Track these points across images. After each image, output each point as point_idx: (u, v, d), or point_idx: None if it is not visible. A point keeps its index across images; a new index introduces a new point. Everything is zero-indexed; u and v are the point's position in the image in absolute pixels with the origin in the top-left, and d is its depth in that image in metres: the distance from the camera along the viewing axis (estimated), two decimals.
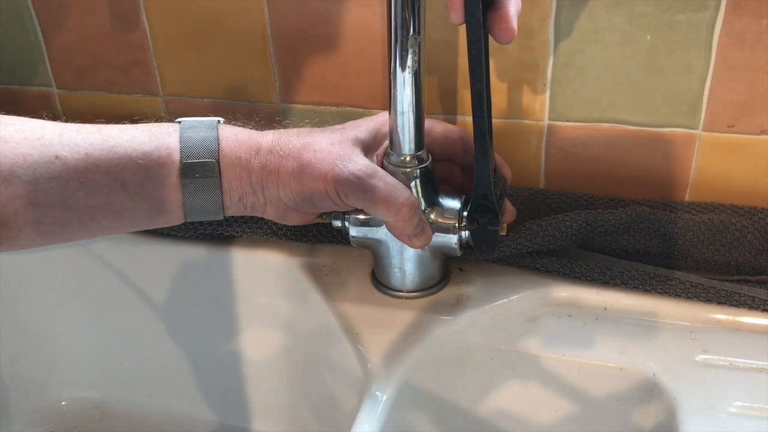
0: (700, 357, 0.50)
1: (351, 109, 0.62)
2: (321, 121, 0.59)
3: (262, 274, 0.61)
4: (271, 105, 0.64)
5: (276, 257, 0.60)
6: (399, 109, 0.48)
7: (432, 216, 0.51)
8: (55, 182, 0.45)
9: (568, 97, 0.57)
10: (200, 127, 0.48)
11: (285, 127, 0.53)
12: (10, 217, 0.44)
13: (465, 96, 0.59)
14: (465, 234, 0.51)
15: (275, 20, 0.60)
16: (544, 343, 0.54)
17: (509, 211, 0.53)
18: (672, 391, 0.48)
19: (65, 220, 0.46)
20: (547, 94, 0.57)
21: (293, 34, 0.61)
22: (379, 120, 0.52)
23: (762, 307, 0.51)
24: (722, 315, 0.51)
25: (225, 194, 0.48)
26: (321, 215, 0.53)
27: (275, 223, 0.60)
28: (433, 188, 0.51)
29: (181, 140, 0.47)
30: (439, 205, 0.51)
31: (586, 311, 0.53)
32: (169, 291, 0.64)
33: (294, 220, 0.52)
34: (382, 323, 0.53)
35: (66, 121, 0.48)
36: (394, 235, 0.50)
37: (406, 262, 0.54)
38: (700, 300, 0.52)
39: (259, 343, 0.64)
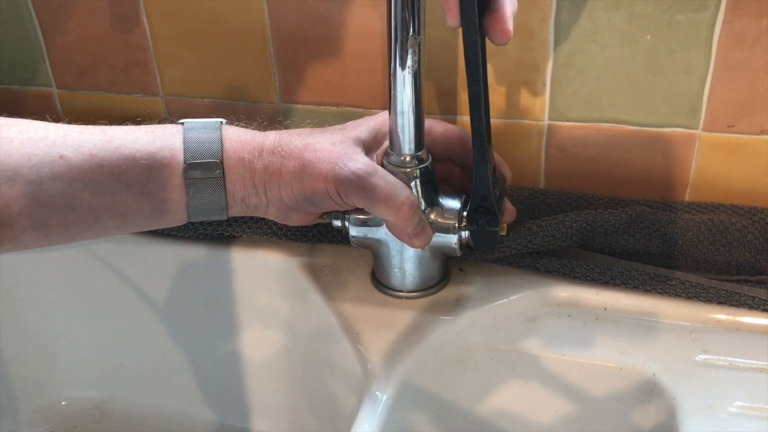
0: (700, 357, 0.50)
1: (351, 109, 0.62)
2: (321, 121, 0.59)
3: (262, 274, 0.61)
4: (271, 105, 0.64)
5: (276, 257, 0.60)
6: (399, 109, 0.48)
7: (432, 216, 0.51)
8: (60, 182, 0.45)
9: (568, 97, 0.57)
10: (204, 128, 0.48)
11: (286, 127, 0.53)
12: (14, 217, 0.44)
13: (464, 96, 0.59)
14: (465, 234, 0.51)
15: (275, 20, 0.60)
16: (544, 343, 0.54)
17: (509, 211, 0.53)
18: (672, 391, 0.48)
19: (69, 220, 0.46)
20: (547, 94, 0.57)
21: (293, 34, 0.61)
22: (379, 120, 0.52)
23: (762, 307, 0.51)
24: (722, 315, 0.51)
25: (228, 195, 0.48)
26: (322, 215, 0.53)
27: (275, 223, 0.60)
28: (433, 188, 0.51)
29: (185, 141, 0.47)
30: (439, 205, 0.51)
31: (586, 311, 0.53)
32: (169, 291, 0.64)
33: (295, 220, 0.52)
34: (382, 323, 0.53)
35: (67, 121, 0.48)
36: (394, 235, 0.50)
37: (406, 262, 0.54)
38: (700, 300, 0.52)
39: (259, 343, 0.64)
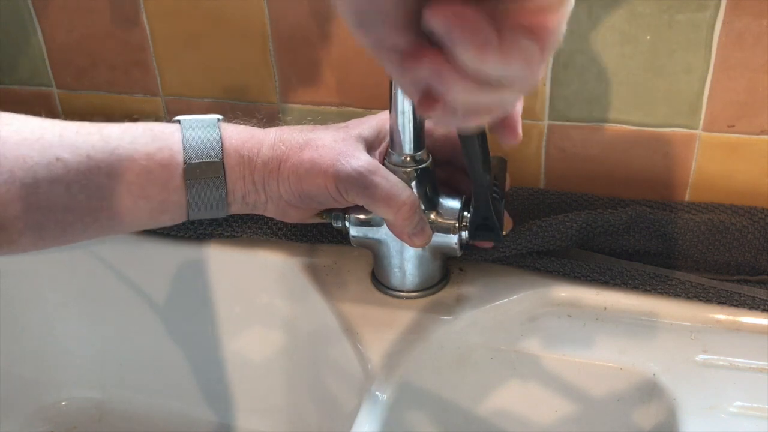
0: (700, 357, 0.50)
1: (351, 109, 0.62)
2: (321, 121, 0.59)
3: (262, 274, 0.61)
4: (271, 105, 0.64)
5: (276, 257, 0.60)
6: (399, 108, 0.48)
7: (432, 216, 0.51)
8: (57, 185, 0.44)
9: (568, 97, 0.57)
10: (201, 126, 0.48)
11: (286, 124, 0.53)
12: (10, 221, 0.44)
13: None
14: (465, 234, 0.51)
15: (275, 20, 0.60)
16: (544, 343, 0.54)
17: (506, 221, 0.53)
18: (672, 391, 0.48)
19: (67, 222, 0.45)
20: (547, 94, 0.57)
21: (293, 34, 0.61)
22: (382, 118, 0.52)
23: (762, 307, 0.51)
24: (722, 315, 0.51)
25: (229, 193, 0.48)
26: (321, 214, 0.53)
27: (275, 223, 0.60)
28: (433, 188, 0.51)
29: (184, 141, 0.47)
30: (439, 205, 0.51)
31: (586, 311, 0.53)
32: (169, 291, 0.64)
33: (293, 217, 0.52)
34: (382, 323, 0.53)
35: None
36: (394, 234, 0.50)
37: (406, 262, 0.54)
38: (700, 300, 0.52)
39: (259, 343, 0.64)
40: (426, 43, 0.27)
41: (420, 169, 0.50)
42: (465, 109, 0.30)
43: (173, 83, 0.66)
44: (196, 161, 0.47)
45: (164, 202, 0.47)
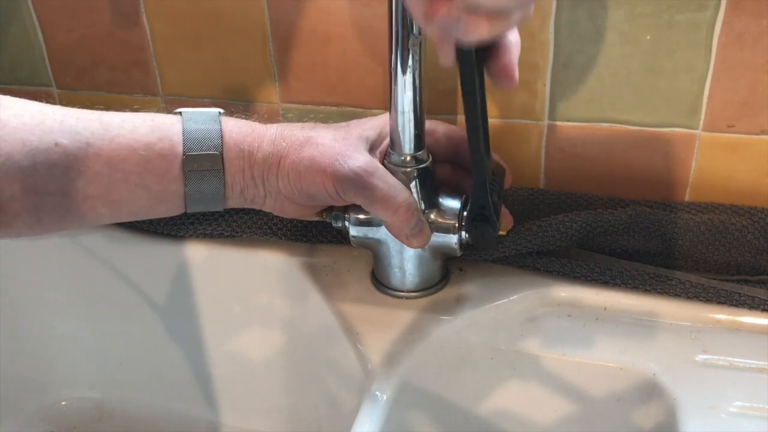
0: (700, 357, 0.50)
1: (351, 109, 0.62)
2: (321, 121, 0.59)
3: (262, 274, 0.61)
4: (271, 105, 0.64)
5: (276, 257, 0.60)
6: (399, 108, 0.48)
7: (432, 216, 0.51)
8: (55, 170, 0.44)
9: (568, 97, 0.57)
10: (202, 119, 0.48)
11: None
12: (7, 203, 0.44)
13: None
14: (465, 234, 0.51)
15: (275, 20, 0.60)
16: (544, 343, 0.54)
17: (506, 219, 0.53)
18: (672, 391, 0.48)
19: (64, 208, 0.45)
20: (547, 94, 0.57)
21: (293, 34, 0.61)
22: (384, 119, 0.52)
23: (762, 307, 0.51)
24: (722, 315, 0.51)
25: (227, 187, 0.48)
26: (321, 214, 0.53)
27: (275, 223, 0.60)
28: (433, 188, 0.51)
29: (184, 132, 0.47)
30: (439, 205, 0.51)
31: (586, 311, 0.53)
32: (169, 291, 0.64)
33: (291, 212, 0.52)
34: (382, 323, 0.53)
35: None
36: (392, 234, 0.50)
37: (406, 262, 0.54)
38: (700, 300, 0.52)
39: (259, 343, 0.64)
40: None
41: (420, 169, 0.50)
42: (467, 8, 0.33)
43: (173, 83, 0.66)
44: (196, 153, 0.47)
45: (162, 192, 0.47)
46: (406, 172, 0.50)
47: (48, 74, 0.69)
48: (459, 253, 0.52)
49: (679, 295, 0.52)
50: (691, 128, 0.56)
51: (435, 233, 0.51)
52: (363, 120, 0.53)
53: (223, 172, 0.48)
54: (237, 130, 0.49)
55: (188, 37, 0.63)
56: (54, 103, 0.50)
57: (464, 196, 0.52)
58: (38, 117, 0.45)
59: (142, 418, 0.70)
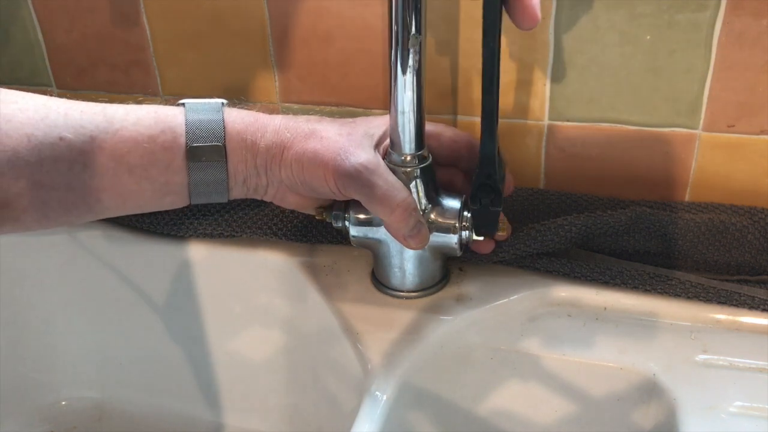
0: (700, 357, 0.50)
1: (351, 109, 0.62)
2: None
3: (262, 274, 0.61)
4: (271, 105, 0.64)
5: (276, 257, 0.60)
6: (399, 108, 0.48)
7: (432, 216, 0.51)
8: (60, 164, 0.44)
9: (568, 97, 0.57)
10: (205, 109, 0.48)
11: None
12: (14, 198, 0.44)
13: (465, 96, 0.59)
14: (465, 234, 0.51)
15: (275, 20, 0.60)
16: (544, 343, 0.54)
17: (508, 184, 0.53)
18: (672, 391, 0.48)
19: (70, 201, 0.46)
20: (547, 94, 0.57)
21: (293, 33, 0.61)
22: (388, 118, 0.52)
23: (762, 307, 0.51)
24: (722, 315, 0.51)
25: (230, 177, 0.49)
26: (321, 213, 0.53)
27: (275, 223, 0.60)
28: (433, 188, 0.51)
29: (187, 123, 0.47)
30: (439, 204, 0.51)
31: (586, 311, 0.53)
32: (169, 291, 0.64)
33: (292, 203, 0.52)
34: (382, 323, 0.53)
35: None
36: (391, 234, 0.50)
37: (406, 261, 0.54)
38: (700, 300, 0.52)
39: (259, 343, 0.64)
40: None
41: (420, 168, 0.50)
42: None
43: (173, 83, 0.66)
44: (199, 144, 0.47)
45: (167, 183, 0.47)
46: (406, 171, 0.50)
47: (48, 74, 0.69)
48: (459, 253, 0.52)
49: (679, 295, 0.52)
50: (691, 128, 0.56)
51: (435, 233, 0.51)
52: (370, 117, 0.53)
53: (226, 162, 0.48)
54: (240, 120, 0.49)
55: (188, 37, 0.63)
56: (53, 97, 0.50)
57: (464, 196, 0.52)
58: (42, 111, 0.45)
59: (142, 418, 0.70)
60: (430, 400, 0.55)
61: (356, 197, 0.48)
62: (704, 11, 0.52)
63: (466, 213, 0.51)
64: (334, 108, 0.63)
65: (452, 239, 0.51)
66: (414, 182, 0.50)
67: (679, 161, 0.57)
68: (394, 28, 0.46)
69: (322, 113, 0.63)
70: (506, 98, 0.58)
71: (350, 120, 0.52)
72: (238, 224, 0.61)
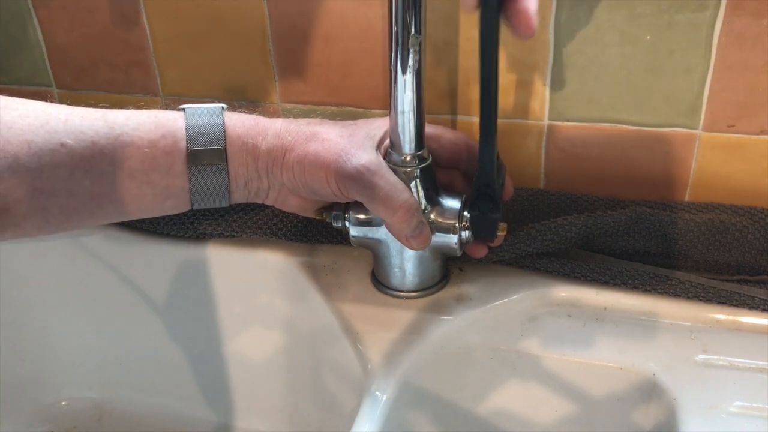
0: (700, 357, 0.50)
1: (351, 109, 0.62)
2: None
3: (262, 274, 0.61)
4: (271, 105, 0.64)
5: (276, 257, 0.60)
6: (399, 108, 0.48)
7: (432, 216, 0.51)
8: (61, 170, 0.44)
9: (568, 97, 0.57)
10: (205, 114, 0.48)
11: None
12: (14, 205, 0.44)
13: (465, 96, 0.59)
14: (465, 234, 0.51)
15: (275, 20, 0.60)
16: (544, 343, 0.54)
17: (507, 188, 0.53)
18: (672, 391, 0.48)
19: (71, 207, 0.46)
20: (547, 94, 0.57)
21: (293, 33, 0.61)
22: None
23: (762, 307, 0.51)
24: (722, 315, 0.51)
25: (231, 181, 0.49)
26: (321, 213, 0.53)
27: (275, 223, 0.60)
28: (433, 188, 0.51)
29: (187, 128, 0.47)
30: (439, 204, 0.51)
31: (586, 311, 0.53)
32: (169, 291, 0.64)
33: (293, 206, 0.52)
34: (382, 323, 0.53)
35: None
36: (393, 235, 0.50)
37: (406, 262, 0.54)
38: (700, 300, 0.52)
39: (259, 343, 0.64)
40: None
41: (420, 168, 0.50)
42: None
43: (173, 83, 0.66)
44: (199, 148, 0.47)
45: (168, 187, 0.47)
46: (406, 171, 0.50)
47: (48, 74, 0.69)
48: (459, 253, 0.52)
49: (679, 295, 0.52)
50: (691, 128, 0.56)
51: (435, 233, 0.51)
52: (372, 119, 0.53)
53: (227, 166, 0.48)
54: (240, 123, 0.49)
55: (188, 37, 0.63)
56: (54, 103, 0.50)
57: (464, 196, 0.52)
58: (43, 117, 0.45)
59: (142, 418, 0.70)
60: (430, 400, 0.55)
61: (358, 198, 0.48)
62: (704, 11, 0.52)
63: (466, 213, 0.51)
64: (334, 108, 0.63)
65: (452, 239, 0.51)
66: (414, 182, 0.50)
67: (679, 161, 0.57)
68: (394, 28, 0.46)
69: (322, 113, 0.63)
70: (506, 98, 0.58)
71: (351, 122, 0.52)
72: (238, 224, 0.61)
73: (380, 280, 0.56)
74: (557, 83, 0.57)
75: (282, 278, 0.60)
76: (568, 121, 0.58)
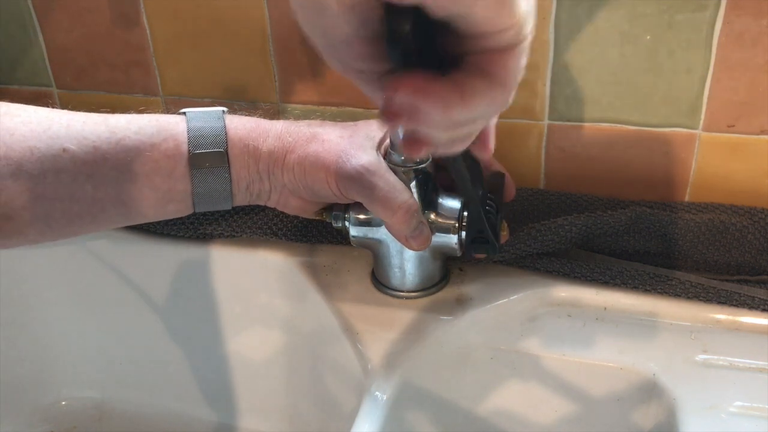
0: (700, 357, 0.50)
1: (351, 109, 0.62)
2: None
3: (262, 274, 0.61)
4: (271, 105, 0.64)
5: (276, 257, 0.60)
6: None
7: (432, 216, 0.51)
8: (64, 176, 0.44)
9: (568, 97, 0.57)
10: (206, 117, 0.49)
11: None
12: (18, 211, 0.44)
13: None
14: (465, 234, 0.51)
15: (275, 20, 0.60)
16: (544, 343, 0.54)
17: (509, 190, 0.53)
18: (672, 391, 0.48)
19: (74, 212, 0.46)
20: (547, 94, 0.57)
21: (293, 33, 0.61)
22: None
23: (762, 307, 0.51)
24: (722, 315, 0.51)
25: (233, 183, 0.49)
26: (321, 214, 0.53)
27: (275, 223, 0.60)
28: (433, 188, 0.51)
29: (189, 131, 0.47)
30: (439, 205, 0.51)
31: (586, 311, 0.53)
32: (169, 291, 0.64)
33: (294, 208, 0.52)
34: (382, 323, 0.53)
35: None
36: (393, 235, 0.50)
37: (406, 262, 0.54)
38: (700, 300, 0.52)
39: (259, 343, 0.64)
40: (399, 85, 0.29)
41: (419, 168, 0.50)
42: (443, 143, 0.33)
43: (173, 83, 0.66)
44: (201, 151, 0.47)
45: (170, 191, 0.47)
46: (406, 172, 0.50)
47: (48, 74, 0.69)
48: (459, 253, 0.52)
49: (679, 295, 0.52)
50: (691, 128, 0.56)
51: (435, 233, 0.51)
52: (371, 120, 0.53)
53: (229, 169, 0.48)
54: (241, 126, 0.49)
55: (188, 37, 0.63)
56: (54, 103, 0.50)
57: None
58: (45, 123, 0.45)
59: (142, 418, 0.70)
60: (430, 400, 0.55)
61: (358, 199, 0.48)
62: (704, 11, 0.52)
63: (465, 213, 0.51)
64: (334, 108, 0.63)
65: (452, 239, 0.51)
66: (413, 182, 0.50)
67: (679, 161, 0.57)
68: None
69: (322, 114, 0.63)
70: None
71: (352, 123, 0.52)
72: (239, 224, 0.61)
73: (380, 280, 0.56)
74: (557, 83, 0.57)
75: (282, 278, 0.60)
76: (568, 121, 0.58)
